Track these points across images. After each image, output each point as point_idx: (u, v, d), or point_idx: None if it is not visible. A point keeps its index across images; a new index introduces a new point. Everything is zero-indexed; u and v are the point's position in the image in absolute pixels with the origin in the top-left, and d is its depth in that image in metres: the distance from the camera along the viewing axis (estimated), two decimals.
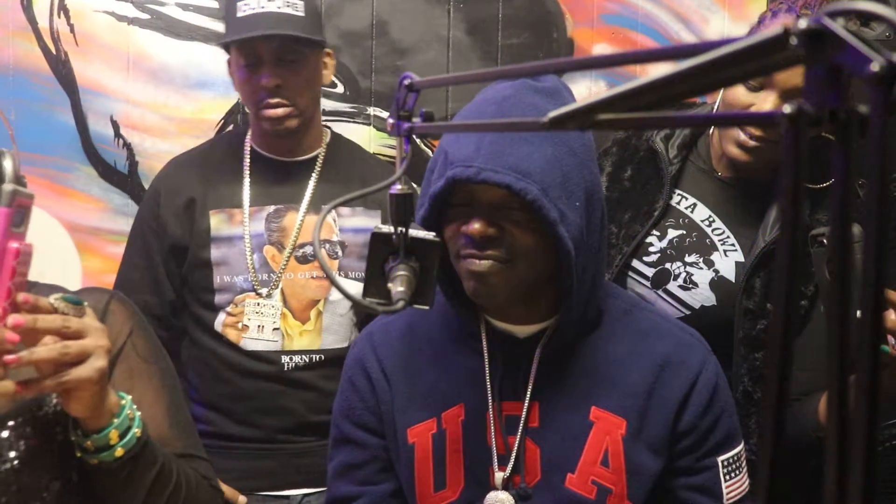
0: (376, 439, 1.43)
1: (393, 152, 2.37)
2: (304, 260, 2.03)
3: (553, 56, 2.42)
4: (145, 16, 2.27)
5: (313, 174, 2.07)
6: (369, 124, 2.38)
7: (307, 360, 2.02)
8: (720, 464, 1.36)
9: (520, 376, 1.36)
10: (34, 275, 1.38)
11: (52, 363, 1.06)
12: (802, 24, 0.51)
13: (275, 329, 2.00)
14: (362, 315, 2.06)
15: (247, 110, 2.11)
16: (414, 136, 1.03)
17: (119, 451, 1.16)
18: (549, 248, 1.27)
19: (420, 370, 1.41)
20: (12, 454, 1.18)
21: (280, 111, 1.95)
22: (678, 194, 1.76)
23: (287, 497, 2.04)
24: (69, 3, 2.26)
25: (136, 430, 1.18)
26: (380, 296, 1.06)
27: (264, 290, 2.00)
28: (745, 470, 1.40)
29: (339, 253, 2.04)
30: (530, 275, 1.29)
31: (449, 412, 1.38)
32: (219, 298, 2.01)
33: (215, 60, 2.30)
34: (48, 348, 1.05)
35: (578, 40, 2.43)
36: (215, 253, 2.01)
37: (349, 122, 2.37)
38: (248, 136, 2.09)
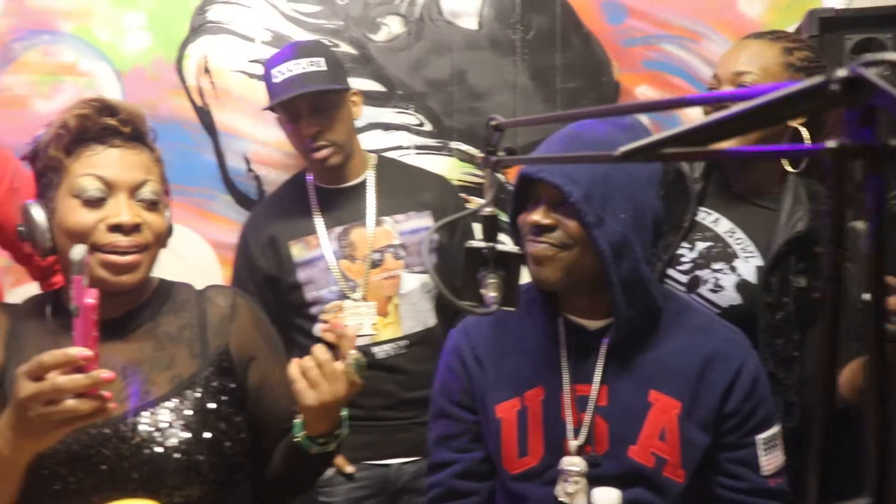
0: (469, 414, 1.44)
1: (472, 179, 2.40)
2: (374, 265, 2.03)
3: (603, 96, 2.41)
4: None
5: (369, 193, 2.08)
6: (451, 156, 2.39)
7: (395, 347, 2.03)
8: (759, 442, 1.34)
9: (590, 363, 1.36)
10: (183, 281, 1.43)
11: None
12: (842, 73, 0.51)
13: (372, 325, 2.02)
14: (445, 298, 2.06)
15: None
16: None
17: (332, 446, 1.30)
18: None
19: (506, 357, 1.42)
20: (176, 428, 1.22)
21: (324, 152, 1.98)
22: (703, 211, 1.74)
23: (388, 465, 2.06)
24: (211, 65, 2.32)
25: (345, 431, 1.31)
26: (474, 300, 1.08)
27: (355, 295, 2.02)
28: (780, 447, 1.37)
29: (403, 254, 2.04)
30: (581, 263, 1.30)
31: (530, 392, 1.38)
32: (313, 310, 2.03)
33: None
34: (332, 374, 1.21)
35: (624, 83, 2.41)
36: (301, 275, 2.03)
37: (435, 154, 2.37)
38: (308, 175, 2.12)
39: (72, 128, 1.23)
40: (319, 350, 1.19)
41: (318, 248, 2.04)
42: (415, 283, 2.05)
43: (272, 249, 2.05)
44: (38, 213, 1.24)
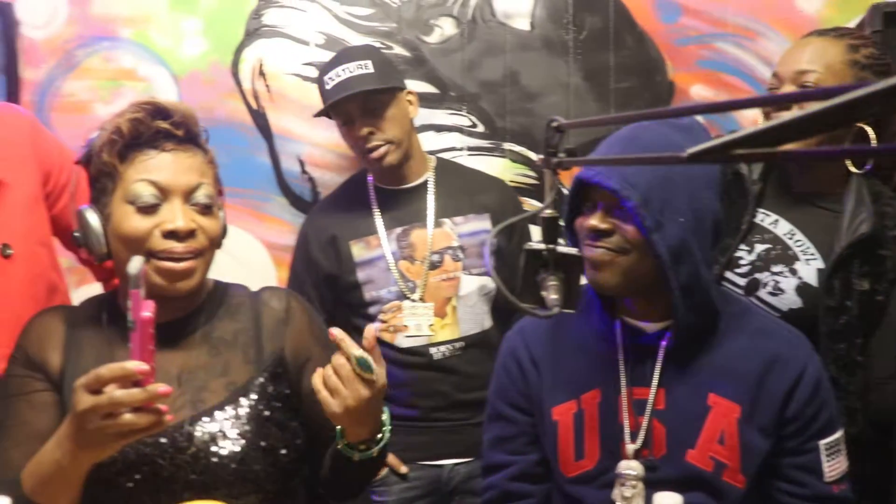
0: (525, 417, 1.43)
1: (524, 180, 2.39)
2: (433, 266, 2.04)
3: (657, 96, 2.38)
4: None
5: (429, 195, 2.09)
6: (504, 157, 2.38)
7: (451, 348, 2.04)
8: (822, 447, 1.31)
9: (648, 366, 1.34)
10: (237, 282, 1.44)
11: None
12: None
13: (429, 325, 2.02)
14: (502, 299, 2.06)
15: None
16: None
17: (374, 452, 1.24)
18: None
19: (563, 359, 1.41)
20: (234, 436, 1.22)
21: (379, 151, 1.99)
22: (761, 212, 1.70)
23: (441, 466, 2.06)
24: (266, 68, 2.34)
25: (387, 435, 1.26)
26: (533, 301, 1.06)
27: (414, 296, 2.02)
28: (844, 452, 1.34)
29: (461, 256, 2.05)
30: (639, 268, 1.28)
31: (587, 395, 1.37)
32: (371, 310, 2.04)
33: None
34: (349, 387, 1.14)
35: (678, 82, 2.38)
36: (361, 275, 2.05)
37: (488, 155, 2.37)
38: (369, 176, 2.13)
39: (125, 133, 1.22)
40: (335, 357, 1.16)
41: (378, 248, 2.05)
42: (473, 285, 2.05)
43: (333, 248, 2.07)
44: (93, 219, 1.23)
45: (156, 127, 1.23)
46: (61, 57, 2.30)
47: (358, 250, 2.06)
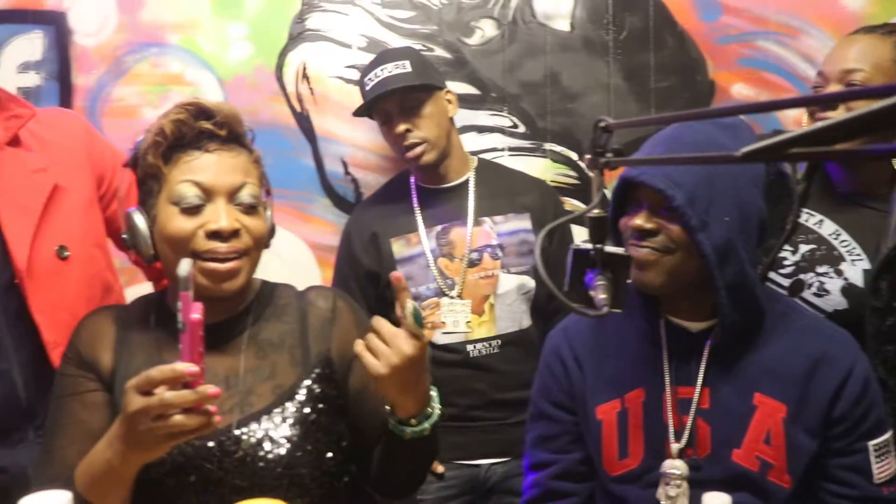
0: (568, 415, 1.43)
1: (565, 179, 2.39)
2: (472, 264, 2.05)
3: (698, 95, 2.36)
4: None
5: (470, 194, 2.10)
6: (546, 157, 2.37)
7: (488, 346, 2.03)
8: (871, 448, 1.29)
9: (692, 365, 1.33)
10: (282, 281, 1.44)
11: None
12: None
13: (467, 322, 2.02)
14: (542, 298, 2.06)
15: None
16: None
17: (426, 427, 1.21)
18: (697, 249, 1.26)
19: (607, 358, 1.40)
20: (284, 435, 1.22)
21: (416, 151, 2.01)
22: (806, 212, 1.67)
23: (477, 465, 2.05)
24: (310, 71, 2.36)
25: (437, 411, 1.23)
26: (580, 301, 1.06)
27: (452, 293, 2.03)
28: (893, 454, 1.31)
29: (500, 254, 2.05)
30: (684, 267, 1.27)
31: (631, 394, 1.36)
32: None
33: None
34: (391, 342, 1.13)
35: (719, 82, 2.36)
36: (400, 271, 2.03)
37: (529, 155, 2.36)
38: (412, 176, 2.15)
39: (168, 134, 1.22)
40: (376, 321, 1.15)
41: (418, 246, 2.07)
42: (511, 283, 2.05)
43: (374, 246, 2.09)
44: (140, 221, 1.24)
45: (199, 127, 1.23)
46: (111, 63, 2.34)
47: (398, 247, 2.07)
